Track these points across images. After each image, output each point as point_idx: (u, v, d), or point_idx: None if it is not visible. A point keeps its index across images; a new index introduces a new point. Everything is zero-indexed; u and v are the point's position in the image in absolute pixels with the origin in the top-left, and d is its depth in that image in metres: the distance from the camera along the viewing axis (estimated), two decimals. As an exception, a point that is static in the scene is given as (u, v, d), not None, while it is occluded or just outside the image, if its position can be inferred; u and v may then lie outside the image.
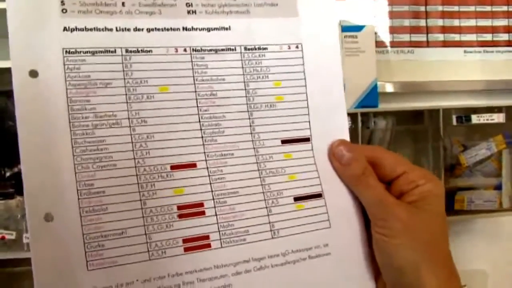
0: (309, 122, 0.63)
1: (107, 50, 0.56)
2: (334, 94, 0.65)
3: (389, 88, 1.51)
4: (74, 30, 0.55)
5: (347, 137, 0.64)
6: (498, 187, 1.46)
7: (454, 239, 1.59)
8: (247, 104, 0.61)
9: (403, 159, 0.63)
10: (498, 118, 1.42)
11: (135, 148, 0.56)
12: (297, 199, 0.61)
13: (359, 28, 1.43)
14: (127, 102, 0.56)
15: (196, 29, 0.60)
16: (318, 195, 0.62)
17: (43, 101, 0.53)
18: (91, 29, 0.56)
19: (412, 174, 0.61)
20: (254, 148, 0.60)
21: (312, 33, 0.64)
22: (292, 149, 0.62)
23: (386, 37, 1.55)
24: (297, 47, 0.64)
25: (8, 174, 1.38)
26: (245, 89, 0.61)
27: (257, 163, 0.60)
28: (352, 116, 1.39)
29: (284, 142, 0.62)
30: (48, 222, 0.51)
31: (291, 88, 0.63)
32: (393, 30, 1.55)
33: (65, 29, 0.55)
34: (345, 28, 1.42)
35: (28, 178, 0.52)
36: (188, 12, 0.60)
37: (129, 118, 0.56)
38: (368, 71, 1.43)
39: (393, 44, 1.55)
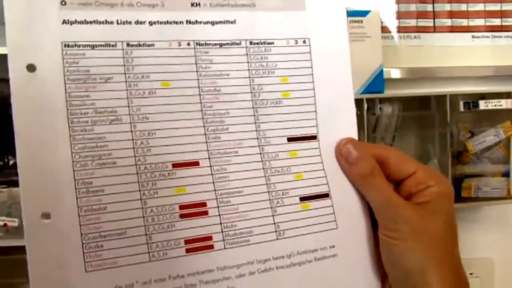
0: (316, 119, 0.62)
1: (107, 44, 0.55)
2: (343, 90, 0.63)
3: (395, 73, 1.49)
4: (73, 23, 0.54)
5: (355, 135, 0.62)
6: (506, 174, 1.44)
7: (461, 226, 1.56)
8: (252, 100, 0.59)
9: (411, 158, 0.62)
10: (506, 104, 1.40)
11: (136, 146, 0.54)
12: (303, 199, 0.60)
13: (364, 13, 1.42)
14: (127, 98, 0.55)
15: (200, 22, 0.58)
16: (325, 195, 0.60)
17: (40, 96, 0.52)
18: (91, 22, 0.54)
19: (422, 174, 0.59)
20: (259, 146, 0.59)
21: (320, 28, 0.63)
22: (298, 147, 0.61)
23: (392, 22, 1.53)
24: (304, 42, 0.62)
25: (11, 162, 1.37)
26: (250, 85, 0.59)
27: (262, 161, 0.59)
28: (357, 102, 1.36)
29: (290, 140, 0.60)
30: (45, 221, 0.50)
31: (298, 84, 0.61)
32: (399, 15, 1.53)
33: (64, 22, 0.53)
34: (351, 13, 1.41)
35: (25, 175, 0.51)
36: (192, 4, 0.58)
37: (129, 114, 0.55)
38: (374, 57, 1.41)
39: (400, 30, 1.53)
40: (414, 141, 1.55)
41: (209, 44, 0.58)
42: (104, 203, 0.52)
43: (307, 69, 0.62)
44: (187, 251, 0.54)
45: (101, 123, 0.53)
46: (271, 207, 0.58)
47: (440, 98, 1.42)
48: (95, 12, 0.54)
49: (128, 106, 0.55)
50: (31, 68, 0.51)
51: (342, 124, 0.63)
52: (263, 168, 0.59)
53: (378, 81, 1.41)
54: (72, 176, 0.52)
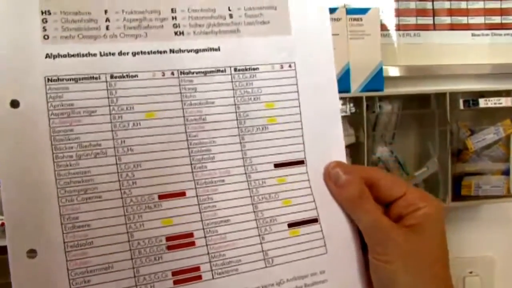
0: (303, 144, 0.62)
1: (91, 77, 0.55)
2: (330, 114, 0.63)
3: (395, 71, 1.49)
4: (56, 56, 0.54)
5: (343, 158, 0.63)
6: (506, 172, 1.44)
7: (461, 225, 1.60)
8: (238, 127, 0.59)
9: (401, 180, 0.62)
10: (506, 102, 1.41)
11: (121, 178, 0.55)
12: (291, 225, 0.60)
13: (364, 10, 1.42)
14: (112, 130, 0.55)
15: (184, 51, 0.59)
16: (314, 220, 0.61)
17: (24, 132, 0.52)
18: (74, 55, 0.55)
19: (411, 196, 0.59)
20: (246, 173, 0.59)
21: (306, 51, 0.63)
22: (286, 173, 0.61)
23: (391, 20, 1.53)
24: (290, 66, 0.62)
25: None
26: (236, 112, 0.60)
27: (249, 189, 0.59)
28: (357, 100, 1.39)
29: (277, 165, 0.61)
30: (31, 259, 0.50)
31: (284, 109, 0.61)
32: (399, 13, 1.53)
33: (47, 56, 0.54)
34: (350, 11, 1.41)
35: (10, 212, 0.51)
36: (176, 33, 0.58)
37: (114, 147, 0.55)
38: (373, 55, 1.42)
39: (399, 27, 1.53)
40: (414, 139, 1.56)
41: (193, 72, 0.59)
42: (91, 237, 0.53)
43: (293, 94, 0.62)
44: (175, 283, 0.55)
45: (86, 157, 0.54)
46: (259, 235, 0.58)
47: (440, 96, 1.43)
48: (78, 45, 0.55)
49: (113, 139, 0.55)
50: (14, 104, 0.52)
51: (330, 147, 0.63)
52: (251, 196, 0.59)
53: (377, 79, 1.41)
54: (58, 212, 0.52)
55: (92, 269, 0.52)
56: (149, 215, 0.55)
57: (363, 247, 0.61)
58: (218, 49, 0.60)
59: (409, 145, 1.55)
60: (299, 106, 0.62)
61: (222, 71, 0.60)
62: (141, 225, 0.54)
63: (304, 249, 0.59)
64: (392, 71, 1.50)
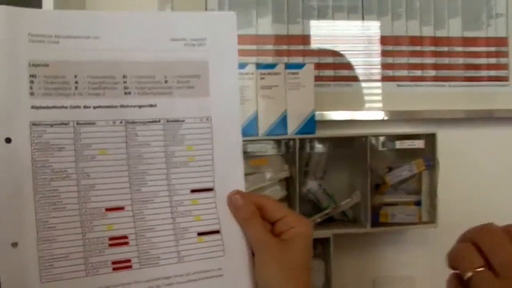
0: (213, 176, 0.79)
1: (62, 123, 0.71)
2: (234, 154, 0.81)
3: (327, 117, 1.67)
4: (39, 108, 0.70)
5: (242, 187, 0.80)
6: (418, 203, 1.63)
7: (385, 248, 1.76)
8: (166, 163, 0.77)
9: (283, 206, 0.81)
10: (419, 144, 1.59)
11: (80, 195, 0.72)
12: (200, 234, 0.77)
13: (300, 66, 1.57)
14: (75, 161, 0.72)
15: (131, 106, 0.75)
16: (216, 232, 0.78)
17: (14, 161, 0.68)
18: (51, 107, 0.71)
19: (289, 218, 0.78)
20: (169, 195, 0.77)
21: (220, 109, 0.80)
22: (199, 197, 0.78)
23: (327, 73, 1.71)
24: (207, 119, 0.79)
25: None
26: (165, 152, 0.77)
27: (170, 207, 0.77)
28: (292, 141, 1.53)
29: (193, 191, 0.78)
30: (14, 248, 0.67)
31: (201, 150, 0.79)
32: (335, 66, 1.72)
33: (32, 107, 0.70)
34: (289, 66, 1.56)
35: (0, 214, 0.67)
36: (125, 93, 0.75)
37: (76, 173, 0.72)
38: (307, 103, 1.57)
39: (335, 79, 1.72)
40: (342, 175, 1.71)
41: (136, 122, 0.75)
42: (55, 235, 0.69)
43: (208, 140, 0.79)
44: (113, 269, 0.72)
45: (56, 180, 0.70)
46: (175, 240, 0.76)
47: (363, 138, 1.59)
48: (54, 99, 0.71)
49: (76, 168, 0.71)
50: (8, 140, 0.68)
51: (233, 179, 0.80)
52: (171, 212, 0.76)
53: (310, 124, 1.57)
54: (34, 217, 0.69)
55: (55, 257, 0.69)
56: (98, 222, 0.72)
57: (252, 253, 0.79)
58: (155, 106, 0.76)
59: (340, 179, 1.70)
60: (212, 149, 0.79)
61: (157, 121, 0.76)
62: (91, 228, 0.72)
63: (207, 251, 0.77)
64: (325, 116, 1.68)
